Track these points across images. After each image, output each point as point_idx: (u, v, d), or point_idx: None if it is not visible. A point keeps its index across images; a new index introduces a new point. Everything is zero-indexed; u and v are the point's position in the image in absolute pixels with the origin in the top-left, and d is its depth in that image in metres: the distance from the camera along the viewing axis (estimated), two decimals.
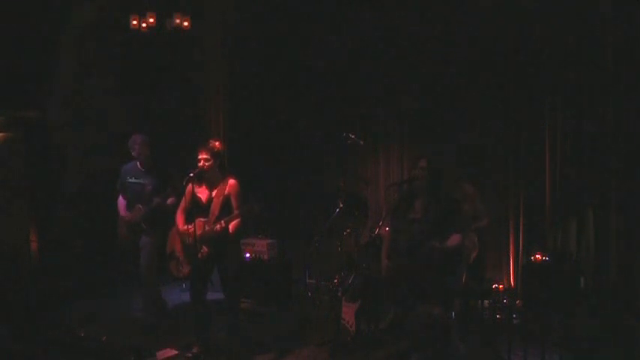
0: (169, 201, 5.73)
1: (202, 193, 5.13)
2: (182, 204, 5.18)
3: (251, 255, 6.89)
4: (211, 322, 5.35)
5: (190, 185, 4.97)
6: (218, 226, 4.95)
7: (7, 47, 6.46)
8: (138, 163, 5.90)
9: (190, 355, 5.20)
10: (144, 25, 6.98)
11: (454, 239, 4.84)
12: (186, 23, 7.03)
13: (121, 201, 5.99)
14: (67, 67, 7.22)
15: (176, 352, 5.34)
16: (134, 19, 6.98)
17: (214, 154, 5.04)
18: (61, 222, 7.19)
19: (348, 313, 5.46)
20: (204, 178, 5.08)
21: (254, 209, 4.98)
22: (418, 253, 4.79)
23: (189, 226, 4.96)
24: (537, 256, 5.71)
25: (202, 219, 5.05)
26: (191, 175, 4.94)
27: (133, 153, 5.87)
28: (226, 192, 5.08)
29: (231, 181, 5.11)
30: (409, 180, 5.14)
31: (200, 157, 5.02)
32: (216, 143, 5.09)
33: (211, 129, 7.89)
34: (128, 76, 7.71)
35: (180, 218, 5.19)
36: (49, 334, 5.45)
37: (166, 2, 7.09)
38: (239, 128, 8.01)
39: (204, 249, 5.00)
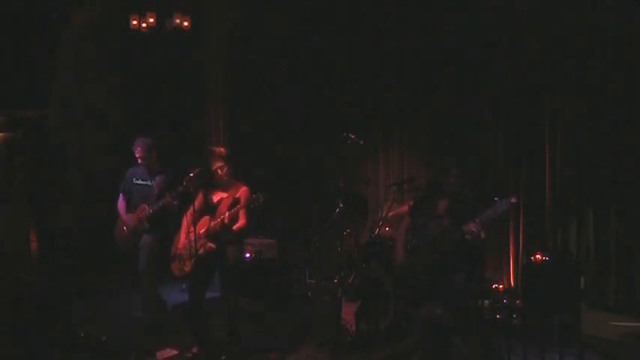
0: (174, 203, 5.71)
1: (215, 197, 5.19)
2: (190, 209, 5.10)
3: (251, 255, 6.88)
4: (211, 322, 5.35)
5: (201, 192, 5.09)
6: (219, 220, 4.99)
7: (7, 47, 6.45)
8: (144, 167, 5.88)
9: (190, 355, 5.21)
10: (144, 25, 6.99)
11: (481, 233, 5.00)
12: (186, 23, 7.04)
13: (121, 203, 5.97)
14: (67, 67, 7.22)
15: (176, 352, 5.34)
16: (134, 19, 6.99)
17: (226, 160, 5.12)
18: (61, 222, 7.18)
19: (348, 313, 5.46)
20: (219, 184, 5.16)
21: (259, 199, 5.00)
22: (442, 245, 4.93)
23: (191, 229, 4.99)
24: (537, 256, 5.69)
25: (209, 217, 5.10)
26: (191, 175, 4.96)
27: (137, 156, 5.85)
28: (237, 195, 5.14)
29: (244, 188, 5.18)
30: (413, 180, 5.26)
31: (215, 167, 5.09)
32: (221, 149, 5.18)
33: (211, 129, 7.89)
34: (128, 76, 7.71)
35: (185, 222, 5.19)
36: (49, 334, 5.45)
37: (166, 2, 7.09)
38: (239, 129, 8.00)
39: (211, 245, 5.02)
